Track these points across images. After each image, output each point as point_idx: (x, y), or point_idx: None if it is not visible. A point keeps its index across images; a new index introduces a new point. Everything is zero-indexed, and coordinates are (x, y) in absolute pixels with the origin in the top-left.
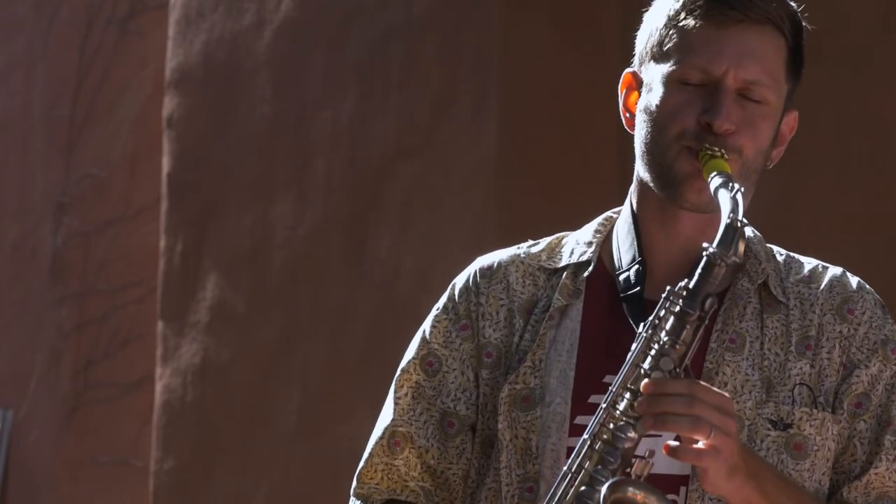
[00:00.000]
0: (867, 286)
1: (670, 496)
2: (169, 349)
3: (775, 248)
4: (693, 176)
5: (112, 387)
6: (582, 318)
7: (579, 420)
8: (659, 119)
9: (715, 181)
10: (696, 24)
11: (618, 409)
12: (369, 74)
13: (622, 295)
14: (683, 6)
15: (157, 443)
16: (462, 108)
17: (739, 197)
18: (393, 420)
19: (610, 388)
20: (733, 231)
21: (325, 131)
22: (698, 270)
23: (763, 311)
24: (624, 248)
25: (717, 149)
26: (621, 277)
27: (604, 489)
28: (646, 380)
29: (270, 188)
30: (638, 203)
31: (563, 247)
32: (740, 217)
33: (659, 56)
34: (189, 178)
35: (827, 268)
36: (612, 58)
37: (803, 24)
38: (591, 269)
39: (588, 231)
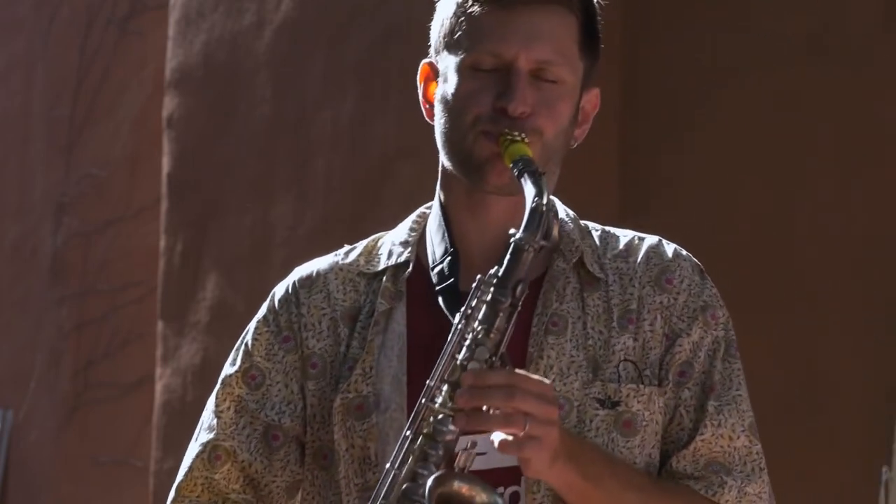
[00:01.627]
0: (684, 252)
1: (512, 488)
2: (169, 349)
3: (591, 225)
4: (493, 159)
5: (112, 387)
6: (407, 320)
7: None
8: (455, 106)
9: (518, 166)
10: (483, 9)
11: (436, 403)
12: (369, 74)
13: (437, 288)
14: None
15: (157, 443)
16: None
17: (543, 180)
18: (215, 434)
19: (427, 381)
20: (539, 215)
21: (325, 131)
22: (506, 257)
23: (583, 290)
24: (436, 241)
25: (515, 133)
26: (435, 271)
27: (428, 483)
28: (465, 372)
29: (270, 188)
30: (445, 194)
31: (380, 249)
32: (544, 200)
33: (451, 45)
34: (189, 178)
35: (643, 238)
36: (612, 58)
37: (594, 1)
38: (409, 269)
39: (403, 230)
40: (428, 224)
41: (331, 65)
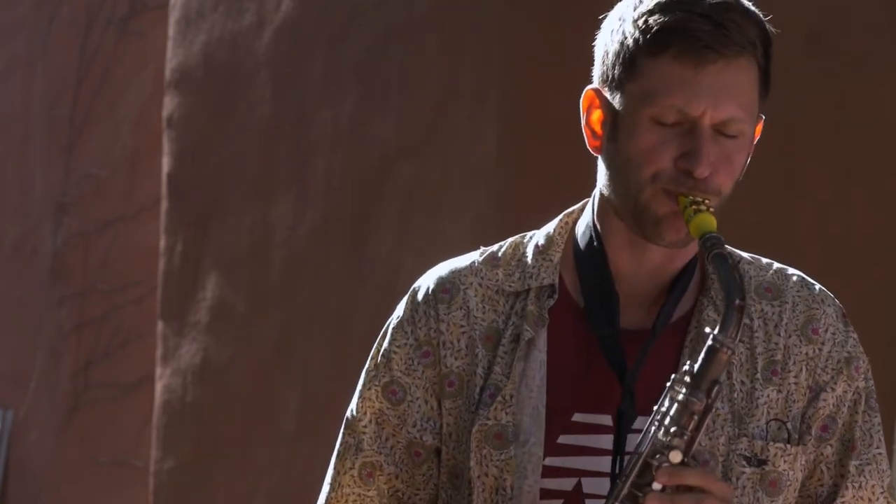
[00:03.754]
0: (828, 295)
1: None
2: (169, 349)
3: (734, 254)
4: (671, 217)
5: (112, 387)
6: (548, 348)
7: (548, 461)
8: (634, 158)
9: (709, 245)
10: (670, 60)
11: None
12: (369, 74)
13: (597, 333)
14: (652, 38)
15: (157, 443)
16: (462, 108)
17: (739, 271)
18: (362, 451)
19: (617, 481)
20: (739, 315)
21: (325, 131)
22: (702, 355)
23: None
24: (588, 271)
25: (699, 199)
26: (592, 311)
27: None
28: (660, 471)
29: (270, 188)
30: (603, 226)
31: (521, 259)
32: (745, 301)
33: (628, 86)
34: (189, 178)
35: (788, 277)
36: None
37: (770, 33)
38: (555, 296)
39: (547, 242)
40: (576, 244)
41: (331, 65)
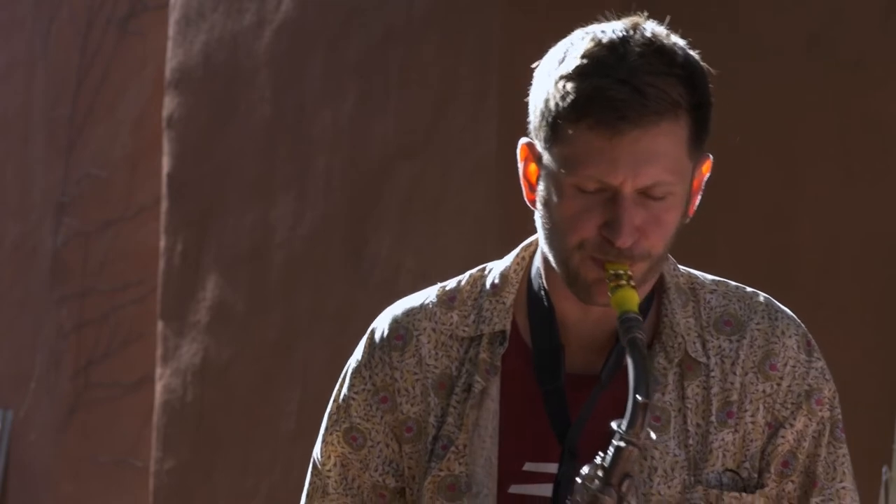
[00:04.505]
0: (791, 322)
1: None
2: (169, 349)
3: (695, 280)
4: (600, 283)
5: (112, 387)
6: (501, 395)
7: None
8: (559, 224)
9: (626, 328)
10: (585, 131)
11: None
12: (369, 74)
13: (542, 387)
14: (570, 106)
15: (157, 443)
16: (462, 108)
17: (647, 365)
18: (328, 494)
19: None
20: (643, 410)
21: (325, 131)
22: (610, 452)
23: (683, 377)
24: (536, 319)
25: (622, 272)
26: (538, 363)
27: None
28: None
29: (270, 188)
30: (547, 275)
31: (476, 300)
32: (649, 397)
33: (553, 149)
34: (189, 178)
35: (753, 306)
36: None
37: (703, 73)
38: (506, 344)
39: (503, 285)
40: (531, 281)
41: (331, 65)
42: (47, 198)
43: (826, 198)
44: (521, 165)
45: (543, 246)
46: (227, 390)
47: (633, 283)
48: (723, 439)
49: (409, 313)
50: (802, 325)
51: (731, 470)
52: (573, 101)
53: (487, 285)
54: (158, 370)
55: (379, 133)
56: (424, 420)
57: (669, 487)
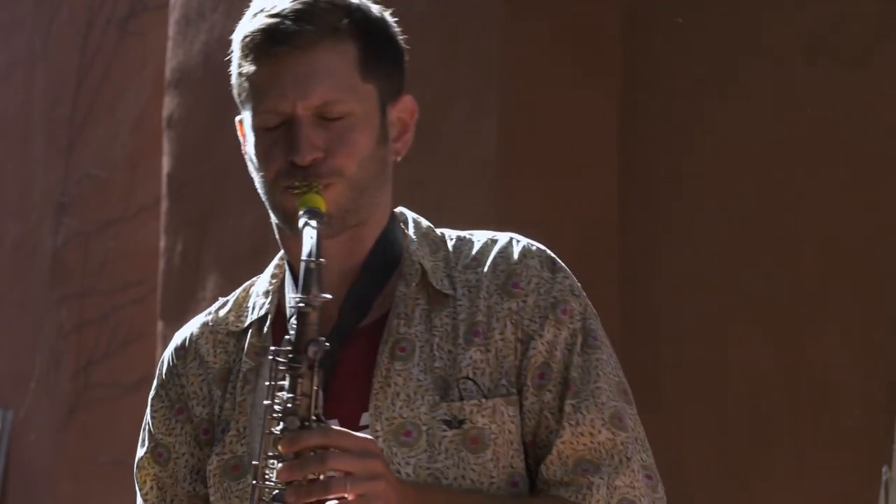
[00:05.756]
0: (534, 248)
1: None
2: None
3: (449, 233)
4: (297, 211)
5: (112, 387)
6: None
7: None
8: (258, 166)
9: (302, 219)
10: (253, 67)
11: (268, 480)
12: None
13: (275, 369)
14: (242, 52)
15: None
16: (462, 108)
17: (313, 234)
18: None
19: (253, 462)
20: (312, 273)
21: None
22: (293, 323)
23: (431, 311)
24: (290, 291)
25: (305, 183)
26: (290, 325)
27: None
28: (281, 441)
29: None
30: (283, 246)
31: (248, 301)
32: (314, 258)
33: (241, 103)
34: (189, 178)
35: (495, 241)
36: (612, 58)
37: (364, 6)
38: (269, 321)
39: (265, 278)
40: (285, 272)
41: None
42: (47, 198)
43: (826, 198)
44: (242, 144)
45: (265, 202)
46: None
47: (318, 190)
48: (471, 357)
49: (188, 327)
50: (548, 250)
51: (468, 378)
52: (241, 47)
53: (255, 285)
54: None
55: None
56: (212, 416)
57: (412, 410)
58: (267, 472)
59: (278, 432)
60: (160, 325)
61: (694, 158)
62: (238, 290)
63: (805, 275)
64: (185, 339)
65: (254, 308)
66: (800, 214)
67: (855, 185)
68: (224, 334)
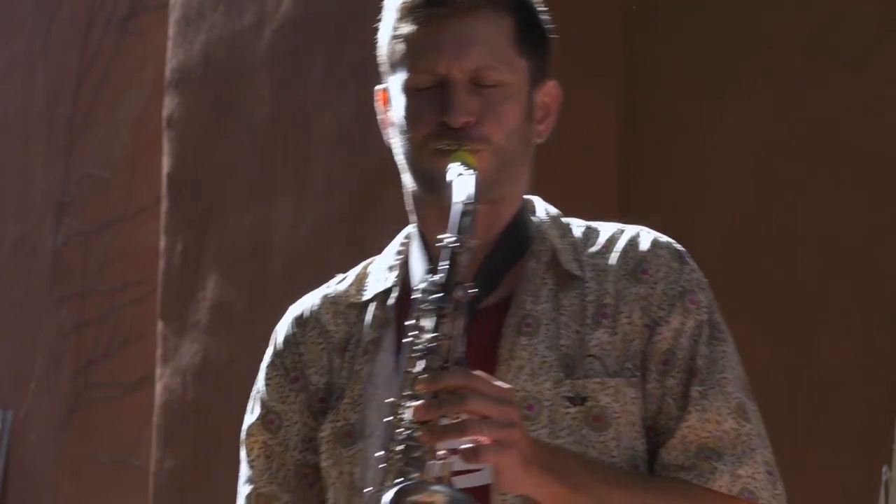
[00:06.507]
0: (663, 240)
1: None
2: (169, 349)
3: (575, 222)
4: (443, 174)
5: (112, 387)
6: (395, 347)
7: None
8: (405, 128)
9: (452, 172)
10: (411, 28)
11: (403, 419)
12: (369, 74)
13: (419, 308)
14: (400, 15)
15: (157, 443)
16: None
17: (473, 179)
18: (254, 485)
19: (391, 400)
20: (469, 216)
21: (325, 131)
22: (444, 263)
23: (559, 291)
24: (420, 264)
25: (456, 143)
26: (417, 294)
27: (389, 496)
28: (419, 379)
29: (270, 188)
30: (418, 215)
31: (368, 277)
32: (474, 200)
33: (392, 68)
34: (189, 178)
35: (623, 231)
36: (612, 58)
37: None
38: (395, 294)
39: (389, 254)
40: (411, 247)
41: (331, 64)
42: (47, 198)
43: (826, 198)
44: (379, 115)
45: (404, 173)
46: (227, 390)
47: (471, 149)
48: (598, 339)
49: (303, 302)
50: (676, 243)
51: (594, 356)
52: (399, 9)
53: (375, 261)
54: (158, 370)
55: (379, 133)
56: (331, 383)
57: (536, 385)
58: (400, 411)
59: (418, 371)
60: (160, 325)
61: (694, 158)
62: (357, 268)
63: (805, 275)
64: (305, 309)
65: (376, 282)
66: (800, 214)
67: (855, 185)
68: (345, 305)
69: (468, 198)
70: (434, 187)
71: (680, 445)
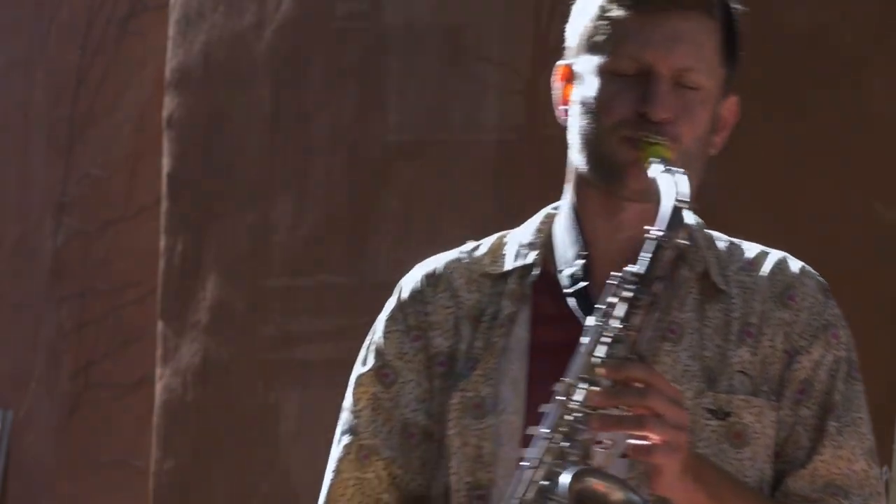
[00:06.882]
0: (810, 270)
1: None
2: (169, 349)
3: (716, 235)
4: (633, 164)
5: (112, 387)
6: (531, 324)
7: (530, 430)
8: (596, 110)
9: (656, 167)
10: (624, 13)
11: (574, 401)
12: (369, 74)
13: (568, 291)
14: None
15: (157, 443)
16: (462, 108)
17: (683, 179)
18: (357, 436)
19: (563, 378)
20: (679, 213)
21: (325, 131)
22: (648, 255)
23: (704, 302)
24: (567, 244)
25: (656, 137)
26: (566, 274)
27: (566, 479)
28: (605, 364)
29: (270, 188)
30: (578, 197)
31: (504, 248)
32: (686, 199)
33: (591, 47)
34: (189, 178)
35: (769, 253)
36: None
37: (736, 8)
38: (537, 272)
39: (528, 231)
40: (555, 227)
41: (331, 65)
42: (47, 198)
43: (826, 198)
44: (556, 86)
45: (578, 152)
46: (227, 390)
47: (667, 145)
48: (741, 357)
49: (438, 259)
50: (821, 276)
51: (742, 372)
52: None
53: (513, 235)
54: (158, 370)
55: (379, 133)
56: (456, 349)
57: None
58: (573, 391)
59: (601, 357)
60: (160, 325)
61: None
62: (490, 238)
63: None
64: (436, 268)
65: (516, 256)
66: (800, 214)
67: (855, 185)
68: (479, 274)
69: (683, 196)
70: (612, 173)
71: (809, 477)
